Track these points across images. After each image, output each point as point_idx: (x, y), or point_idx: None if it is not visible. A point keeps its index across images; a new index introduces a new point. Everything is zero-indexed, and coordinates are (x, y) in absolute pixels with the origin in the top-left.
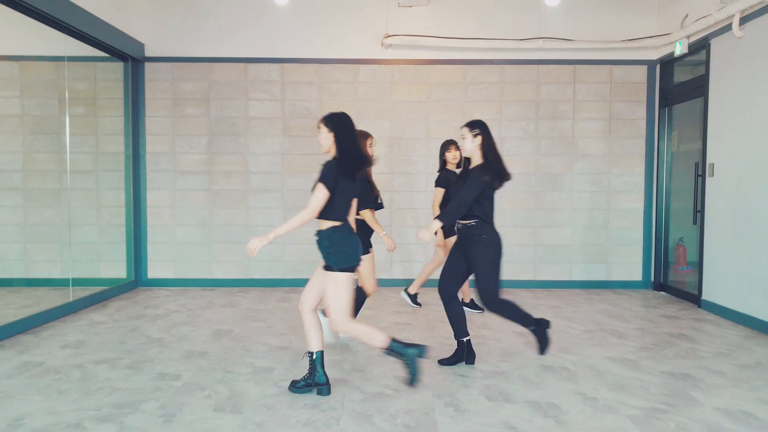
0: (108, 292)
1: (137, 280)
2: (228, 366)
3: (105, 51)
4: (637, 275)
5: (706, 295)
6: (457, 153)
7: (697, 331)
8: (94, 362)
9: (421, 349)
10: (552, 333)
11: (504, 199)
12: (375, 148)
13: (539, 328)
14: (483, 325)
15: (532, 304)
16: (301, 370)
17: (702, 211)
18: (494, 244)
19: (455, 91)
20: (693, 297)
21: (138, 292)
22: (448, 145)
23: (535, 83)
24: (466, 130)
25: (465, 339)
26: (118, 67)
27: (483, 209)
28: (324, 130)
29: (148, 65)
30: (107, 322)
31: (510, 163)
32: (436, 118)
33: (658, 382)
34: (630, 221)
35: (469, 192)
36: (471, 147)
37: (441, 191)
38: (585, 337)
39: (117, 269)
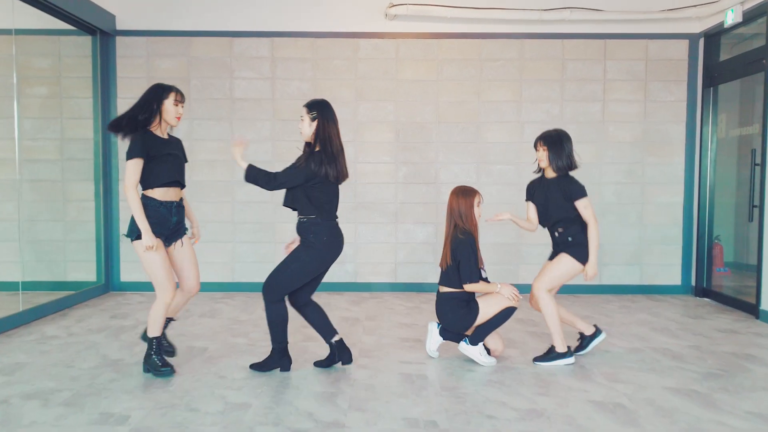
0: (72, 298)
1: (108, 283)
2: (193, 401)
3: (69, 23)
4: (675, 279)
5: (766, 305)
6: (543, 154)
7: (766, 351)
8: (24, 396)
9: (164, 372)
10: (593, 353)
11: (524, 193)
12: (481, 208)
13: (281, 356)
14: (509, 343)
15: None
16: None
17: (761, 206)
18: (319, 247)
19: (469, 68)
20: (746, 306)
21: (108, 298)
22: (535, 143)
23: (560, 60)
24: (304, 110)
25: (335, 340)
26: (85, 41)
27: (313, 204)
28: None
29: (119, 40)
30: (61, 337)
31: (531, 152)
32: (447, 99)
33: (749, 430)
34: (668, 217)
35: (288, 174)
36: (307, 131)
37: (528, 204)
38: (633, 359)
39: (86, 271)
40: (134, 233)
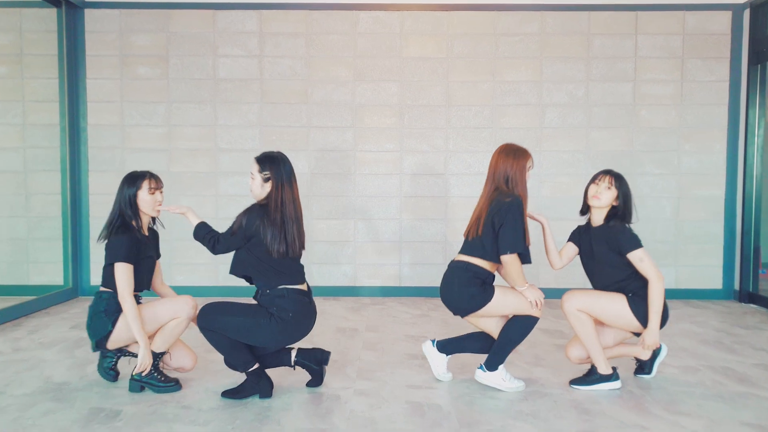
0: (34, 303)
1: (76, 287)
2: None
3: None
4: (716, 282)
5: None
6: (608, 193)
7: None
8: None
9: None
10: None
11: (545, 185)
12: (530, 172)
13: (257, 380)
14: (535, 361)
15: None
16: None
17: None
18: (282, 323)
19: (483, 44)
20: None
21: (74, 304)
22: (596, 176)
23: (586, 35)
24: (255, 167)
25: (295, 357)
26: (49, 14)
27: (270, 271)
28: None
29: (88, 12)
30: (4, 353)
31: (553, 138)
32: (458, 79)
33: None
34: (707, 212)
35: (227, 240)
36: (259, 192)
37: (568, 244)
38: (691, 382)
39: (51, 274)
40: (99, 336)
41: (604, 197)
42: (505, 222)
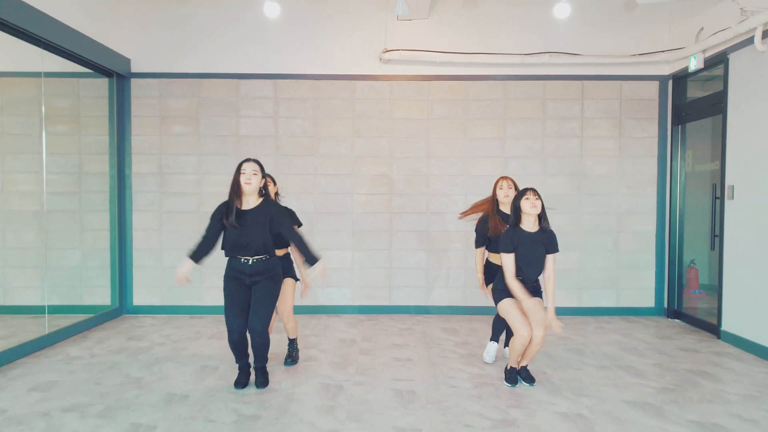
0: (90, 321)
1: (122, 307)
2: (210, 413)
3: (88, 67)
4: (649, 301)
5: (726, 326)
6: (538, 203)
7: (720, 368)
8: (63, 409)
9: None
10: (565, 371)
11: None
12: (505, 189)
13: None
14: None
15: None
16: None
17: (720, 236)
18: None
19: (457, 108)
20: (711, 327)
21: (122, 321)
22: (525, 191)
23: (541, 100)
24: (258, 167)
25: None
26: (102, 83)
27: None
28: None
29: (134, 81)
30: (84, 357)
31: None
32: (437, 136)
33: None
34: (641, 244)
35: (290, 225)
36: (258, 186)
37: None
38: (599, 376)
39: (100, 296)
40: None
41: (539, 206)
42: None
